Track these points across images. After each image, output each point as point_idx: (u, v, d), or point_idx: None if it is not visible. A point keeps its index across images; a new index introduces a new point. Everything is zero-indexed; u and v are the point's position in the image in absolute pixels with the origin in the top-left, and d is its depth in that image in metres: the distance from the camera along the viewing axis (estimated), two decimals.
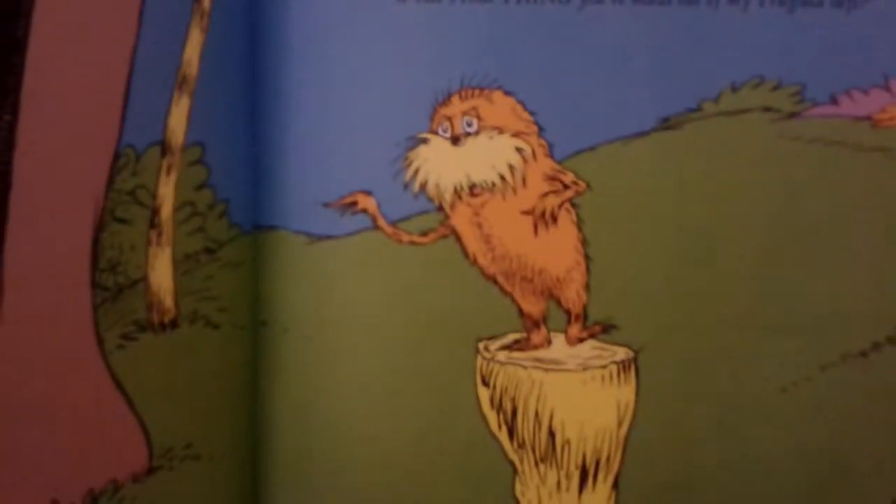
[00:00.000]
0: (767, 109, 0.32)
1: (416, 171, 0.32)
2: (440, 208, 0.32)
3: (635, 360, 0.32)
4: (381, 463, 0.32)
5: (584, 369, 0.32)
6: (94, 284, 0.29)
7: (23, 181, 0.28)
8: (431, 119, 0.32)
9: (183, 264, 0.31)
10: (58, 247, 0.28)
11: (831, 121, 0.32)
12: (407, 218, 0.32)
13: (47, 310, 0.28)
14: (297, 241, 0.33)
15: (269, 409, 0.33)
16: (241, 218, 0.33)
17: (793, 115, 0.32)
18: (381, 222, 0.32)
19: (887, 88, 0.32)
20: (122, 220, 0.29)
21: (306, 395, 0.33)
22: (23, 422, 0.27)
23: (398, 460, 0.32)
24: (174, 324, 0.31)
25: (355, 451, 0.32)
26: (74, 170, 0.28)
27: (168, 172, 0.31)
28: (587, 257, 0.32)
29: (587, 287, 0.32)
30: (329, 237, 0.32)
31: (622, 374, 0.32)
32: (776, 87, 0.32)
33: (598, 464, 0.32)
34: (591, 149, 0.31)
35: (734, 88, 0.32)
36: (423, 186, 0.32)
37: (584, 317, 0.32)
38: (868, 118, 0.32)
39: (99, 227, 0.29)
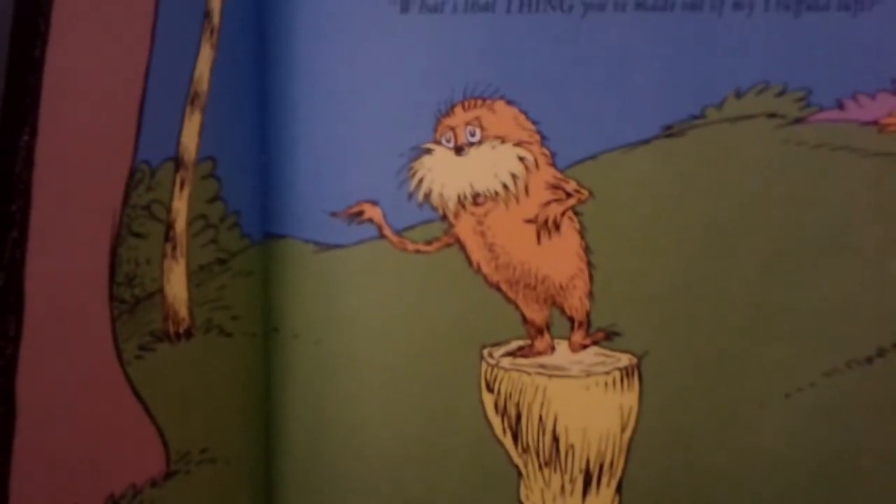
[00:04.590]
0: (772, 115, 0.31)
1: (421, 181, 0.33)
2: (444, 217, 0.33)
3: (638, 366, 0.32)
4: (389, 466, 0.33)
5: (588, 375, 0.32)
6: (112, 297, 0.30)
7: (42, 199, 0.29)
8: (435, 129, 0.32)
9: (197, 276, 0.32)
10: (77, 262, 0.29)
11: (837, 126, 0.31)
12: (412, 227, 0.33)
13: (68, 323, 0.29)
14: (306, 250, 0.33)
15: (281, 413, 0.34)
16: (252, 228, 0.34)
17: (798, 120, 0.31)
18: (387, 231, 0.33)
19: (894, 92, 0.31)
20: (138, 235, 0.31)
21: (316, 400, 0.34)
22: (44, 430, 0.29)
23: (405, 463, 0.33)
24: (189, 333, 0.32)
25: (364, 454, 0.33)
26: (92, 187, 0.30)
27: (181, 187, 0.32)
28: (590, 265, 0.32)
29: (590, 294, 0.32)
30: (337, 246, 0.33)
31: (625, 380, 0.32)
32: (781, 93, 0.31)
33: (601, 468, 0.32)
34: (594, 157, 0.32)
35: (738, 94, 0.31)
36: (427, 196, 0.33)
37: (587, 324, 0.32)
38: (874, 123, 0.31)
39: (116, 242, 0.30)
